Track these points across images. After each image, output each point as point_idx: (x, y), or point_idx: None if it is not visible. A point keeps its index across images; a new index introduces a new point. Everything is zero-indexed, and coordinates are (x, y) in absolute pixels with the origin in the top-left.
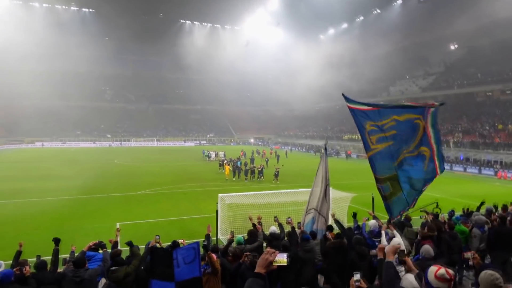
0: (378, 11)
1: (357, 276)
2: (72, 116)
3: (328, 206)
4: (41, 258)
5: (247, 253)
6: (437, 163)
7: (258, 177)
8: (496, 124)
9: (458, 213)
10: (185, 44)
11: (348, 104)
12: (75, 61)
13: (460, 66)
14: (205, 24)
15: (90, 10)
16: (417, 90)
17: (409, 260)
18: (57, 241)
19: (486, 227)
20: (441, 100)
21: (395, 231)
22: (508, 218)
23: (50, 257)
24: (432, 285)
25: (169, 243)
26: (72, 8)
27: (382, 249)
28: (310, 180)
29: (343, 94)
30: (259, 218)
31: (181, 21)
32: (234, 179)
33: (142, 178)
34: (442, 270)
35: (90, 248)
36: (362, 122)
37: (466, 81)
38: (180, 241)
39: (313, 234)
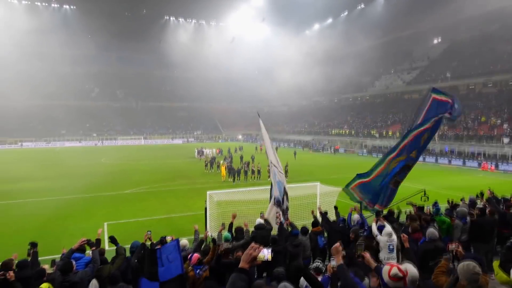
0: (363, 6)
1: (333, 263)
2: (57, 115)
3: (275, 156)
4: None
5: (223, 243)
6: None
7: (256, 177)
8: (479, 117)
9: (443, 205)
10: (170, 41)
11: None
12: (58, 60)
13: (444, 60)
14: (190, 20)
15: (71, 7)
16: (402, 84)
17: (367, 255)
18: (33, 245)
19: (468, 218)
20: (425, 94)
21: (385, 222)
22: (488, 209)
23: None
24: (389, 285)
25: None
26: (53, 5)
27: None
28: (306, 176)
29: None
30: (233, 217)
31: (166, 17)
32: (230, 180)
33: (129, 176)
34: (395, 269)
35: (78, 249)
36: (431, 115)
37: (449, 74)
38: (168, 237)
39: (304, 230)
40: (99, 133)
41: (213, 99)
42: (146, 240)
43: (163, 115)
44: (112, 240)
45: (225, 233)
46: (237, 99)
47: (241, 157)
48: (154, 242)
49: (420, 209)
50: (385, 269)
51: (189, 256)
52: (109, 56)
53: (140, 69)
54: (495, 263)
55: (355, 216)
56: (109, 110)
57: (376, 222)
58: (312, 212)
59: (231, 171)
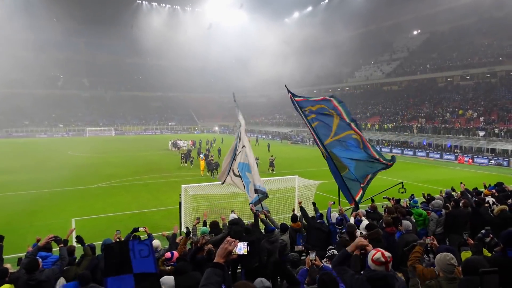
0: None
1: (312, 256)
2: (19, 104)
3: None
4: None
5: (205, 235)
6: (372, 150)
7: None
8: (457, 109)
9: (419, 198)
10: (143, 27)
11: (292, 96)
12: (21, 45)
13: (423, 52)
14: (164, 5)
15: None
16: (381, 75)
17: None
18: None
19: (443, 211)
20: (404, 85)
21: (363, 218)
22: (462, 201)
23: None
24: (371, 268)
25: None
26: None
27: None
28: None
29: (286, 86)
30: (205, 215)
31: (138, 1)
32: (208, 175)
33: (99, 170)
34: (378, 254)
35: (45, 247)
36: (302, 108)
37: (428, 66)
38: (141, 228)
39: (284, 227)
40: (66, 124)
41: (188, 88)
42: (115, 239)
43: (135, 105)
44: (79, 240)
45: (202, 227)
46: (214, 89)
47: (219, 150)
48: (127, 235)
49: (397, 201)
50: (371, 252)
51: (166, 256)
52: (77, 42)
53: (110, 56)
54: (464, 254)
55: (334, 214)
56: (77, 100)
57: (355, 217)
58: (293, 210)
59: (209, 165)
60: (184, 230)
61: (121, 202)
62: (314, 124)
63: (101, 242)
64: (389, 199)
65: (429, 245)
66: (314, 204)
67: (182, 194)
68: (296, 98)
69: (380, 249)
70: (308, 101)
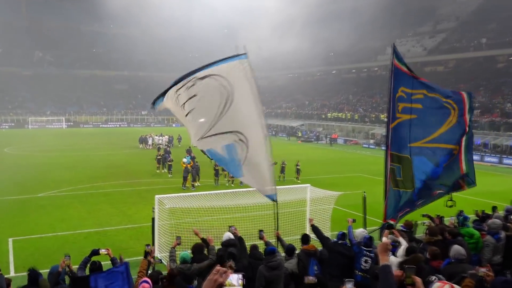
0: None
1: (349, 285)
2: None
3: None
4: None
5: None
6: (463, 166)
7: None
8: None
9: (471, 216)
10: None
11: (395, 61)
12: None
13: (477, 22)
14: None
15: None
16: (422, 52)
17: (419, 280)
18: None
19: (502, 234)
20: (452, 66)
21: (401, 238)
22: None
23: None
24: None
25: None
26: None
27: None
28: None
29: (394, 46)
30: (197, 233)
31: None
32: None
33: (45, 174)
34: (447, 287)
35: None
36: (397, 85)
37: (484, 41)
38: (103, 251)
39: (290, 249)
40: (2, 112)
41: (165, 66)
42: (63, 269)
43: (93, 87)
44: (31, 272)
45: (183, 252)
46: (197, 67)
47: None
48: (84, 259)
49: (440, 221)
50: (437, 285)
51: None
52: (17, 3)
53: (61, 23)
54: None
55: (358, 231)
56: (16, 80)
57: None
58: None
59: (193, 169)
60: (157, 254)
61: (74, 217)
62: (406, 117)
63: (48, 271)
64: (430, 218)
65: (483, 277)
66: (314, 228)
67: (156, 208)
68: (402, 67)
69: (446, 281)
70: (417, 81)
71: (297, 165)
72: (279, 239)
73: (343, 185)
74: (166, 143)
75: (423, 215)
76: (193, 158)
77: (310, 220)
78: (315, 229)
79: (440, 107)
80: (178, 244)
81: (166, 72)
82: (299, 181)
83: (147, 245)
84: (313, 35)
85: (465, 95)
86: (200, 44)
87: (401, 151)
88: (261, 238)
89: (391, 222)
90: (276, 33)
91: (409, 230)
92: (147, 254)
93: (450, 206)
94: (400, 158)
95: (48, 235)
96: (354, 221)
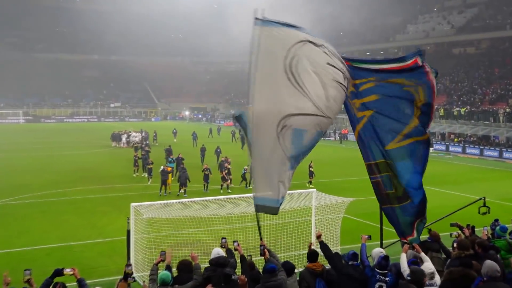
0: None
1: None
2: None
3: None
4: None
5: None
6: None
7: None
8: None
9: (509, 226)
10: None
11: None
12: None
13: None
14: None
15: None
16: (450, 30)
17: None
18: None
19: None
20: (486, 47)
21: (422, 255)
22: None
23: None
24: None
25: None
26: None
27: None
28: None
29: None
30: (165, 255)
31: None
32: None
33: None
34: None
35: None
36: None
37: None
38: (67, 270)
39: (289, 268)
40: None
41: (142, 49)
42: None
43: (57, 74)
44: None
45: (162, 272)
46: (183, 50)
47: (203, 150)
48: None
49: (473, 230)
50: None
51: None
52: None
53: None
54: None
55: (375, 251)
56: None
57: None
58: (310, 244)
59: (181, 175)
60: (134, 274)
61: (34, 230)
62: (366, 114)
63: None
64: (460, 228)
65: None
66: (322, 246)
67: (131, 218)
68: (345, 61)
69: None
70: (365, 70)
71: (310, 167)
72: (271, 254)
73: (355, 189)
74: (140, 141)
75: (451, 225)
76: (180, 160)
77: (318, 235)
78: (323, 246)
79: (401, 92)
80: (162, 260)
81: (144, 55)
82: (311, 186)
83: (128, 265)
84: (316, 11)
85: (428, 68)
86: (185, 23)
87: (382, 157)
88: (262, 254)
89: (405, 241)
90: (276, 7)
91: (435, 242)
92: (127, 276)
93: (484, 213)
94: (383, 165)
95: (1, 252)
96: (369, 238)
